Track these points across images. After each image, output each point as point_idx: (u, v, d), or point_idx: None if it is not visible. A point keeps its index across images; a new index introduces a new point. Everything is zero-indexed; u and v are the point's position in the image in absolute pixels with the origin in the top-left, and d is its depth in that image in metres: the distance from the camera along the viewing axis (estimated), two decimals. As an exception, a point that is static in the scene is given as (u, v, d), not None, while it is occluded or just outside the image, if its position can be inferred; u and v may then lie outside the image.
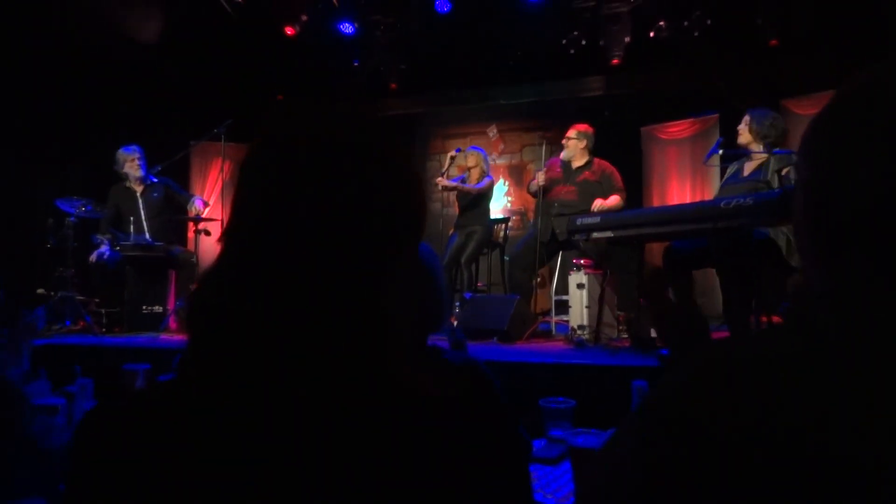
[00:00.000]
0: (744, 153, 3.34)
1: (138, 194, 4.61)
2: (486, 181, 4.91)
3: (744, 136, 3.35)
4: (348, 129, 0.60)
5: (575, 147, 4.36)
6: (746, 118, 3.37)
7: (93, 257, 4.28)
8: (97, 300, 4.45)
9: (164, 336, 3.99)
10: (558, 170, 4.40)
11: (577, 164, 4.36)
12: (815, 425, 0.41)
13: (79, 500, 0.52)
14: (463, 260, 4.77)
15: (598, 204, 4.15)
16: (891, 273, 0.47)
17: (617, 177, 4.30)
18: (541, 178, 4.36)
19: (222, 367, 0.53)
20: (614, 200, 4.18)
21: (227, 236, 0.58)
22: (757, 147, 3.29)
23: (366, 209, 0.57)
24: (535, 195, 4.53)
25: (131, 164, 4.53)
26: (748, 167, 3.31)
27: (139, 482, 0.49)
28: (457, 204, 5.10)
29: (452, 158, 5.06)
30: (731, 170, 3.44)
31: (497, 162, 7.55)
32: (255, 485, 0.50)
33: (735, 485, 0.42)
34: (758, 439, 0.42)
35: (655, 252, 5.44)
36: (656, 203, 6.15)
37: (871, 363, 0.43)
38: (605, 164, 4.35)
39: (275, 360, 0.53)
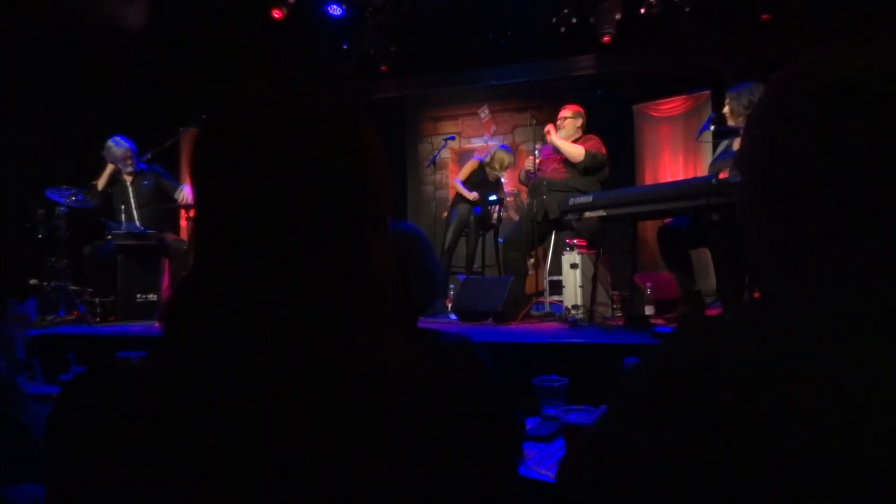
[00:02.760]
0: (735, 129, 3.32)
1: (128, 183, 4.59)
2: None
3: (730, 118, 3.31)
4: (310, 99, 0.57)
5: (571, 126, 4.37)
6: (726, 99, 3.34)
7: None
8: (91, 290, 4.43)
9: (158, 324, 3.98)
10: (551, 152, 4.41)
11: (570, 141, 4.36)
12: (805, 405, 0.41)
13: (59, 472, 0.51)
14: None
15: (553, 132, 4.24)
16: (882, 252, 0.48)
17: (594, 142, 4.28)
18: (528, 164, 4.41)
19: (204, 347, 0.53)
20: (576, 147, 4.21)
21: (198, 221, 0.57)
22: (743, 123, 3.27)
23: (338, 182, 0.55)
24: (525, 184, 4.56)
25: (123, 163, 4.52)
26: (737, 143, 3.30)
27: (118, 454, 0.49)
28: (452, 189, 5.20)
29: (445, 142, 5.11)
30: (721, 146, 3.42)
31: (489, 143, 7.53)
32: (237, 463, 0.49)
33: (719, 463, 0.42)
34: (741, 421, 0.42)
35: (650, 231, 5.47)
36: (649, 181, 6.15)
37: (857, 343, 0.43)
38: (590, 136, 4.36)
39: (256, 343, 0.53)
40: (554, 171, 4.31)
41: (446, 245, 4.89)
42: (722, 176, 2.78)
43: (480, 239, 5.22)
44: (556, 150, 4.30)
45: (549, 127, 4.30)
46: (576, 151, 4.19)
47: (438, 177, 6.95)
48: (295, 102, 0.56)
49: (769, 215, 0.56)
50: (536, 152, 4.41)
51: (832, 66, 0.52)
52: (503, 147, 5.25)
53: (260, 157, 0.54)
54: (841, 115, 0.49)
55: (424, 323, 1.29)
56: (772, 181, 0.55)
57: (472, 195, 4.94)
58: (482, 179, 5.07)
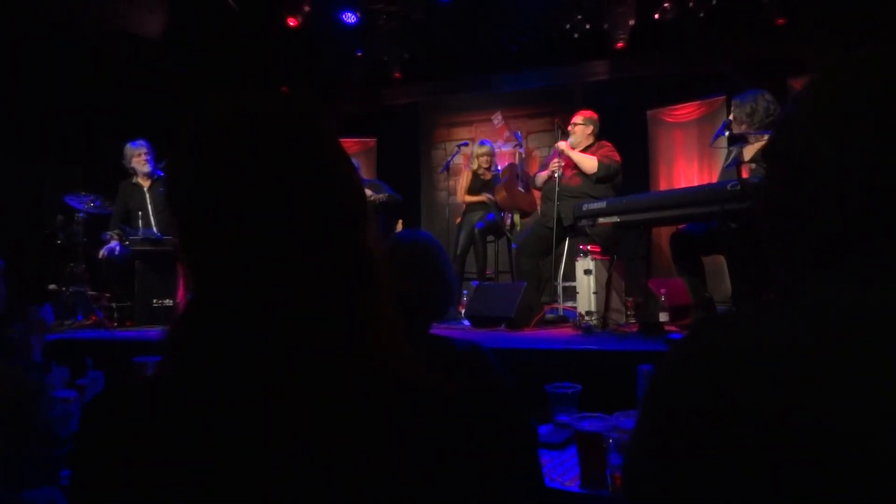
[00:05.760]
0: (751, 134, 3.29)
1: (145, 189, 4.65)
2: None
3: (735, 125, 3.30)
4: (270, 113, 0.59)
5: (582, 133, 4.36)
6: (731, 106, 3.33)
7: (103, 253, 4.31)
8: (108, 295, 4.49)
9: (163, 341, 4.01)
10: (565, 157, 4.40)
11: (580, 148, 4.35)
12: (822, 408, 0.41)
13: (85, 485, 0.53)
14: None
15: (563, 144, 4.23)
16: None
17: (607, 149, 4.27)
18: (554, 165, 4.36)
19: (219, 362, 0.54)
20: (589, 158, 4.20)
21: (188, 251, 0.58)
22: (750, 130, 3.25)
23: (316, 182, 0.57)
24: (541, 189, 4.55)
25: (138, 160, 4.59)
26: (748, 151, 3.28)
27: (143, 467, 0.50)
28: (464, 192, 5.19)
29: (459, 148, 5.12)
30: (732, 154, 3.39)
31: (503, 149, 7.53)
32: (255, 471, 0.50)
33: (743, 465, 0.42)
34: (761, 422, 0.42)
35: (664, 236, 5.44)
36: (663, 187, 6.12)
37: (875, 347, 0.43)
38: (604, 142, 4.35)
39: (269, 354, 0.54)
40: (567, 178, 4.30)
41: (458, 250, 4.90)
42: (745, 175, 2.74)
43: (493, 245, 5.22)
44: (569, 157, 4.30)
45: (561, 144, 4.31)
46: (589, 163, 4.18)
47: (452, 182, 6.95)
48: (256, 118, 0.58)
49: (803, 212, 0.55)
50: (559, 171, 4.32)
51: (883, 70, 0.51)
52: (480, 143, 5.28)
53: (237, 174, 0.55)
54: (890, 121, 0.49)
55: (437, 329, 1.29)
56: (810, 178, 0.54)
57: (483, 196, 5.02)
58: (484, 183, 5.10)
